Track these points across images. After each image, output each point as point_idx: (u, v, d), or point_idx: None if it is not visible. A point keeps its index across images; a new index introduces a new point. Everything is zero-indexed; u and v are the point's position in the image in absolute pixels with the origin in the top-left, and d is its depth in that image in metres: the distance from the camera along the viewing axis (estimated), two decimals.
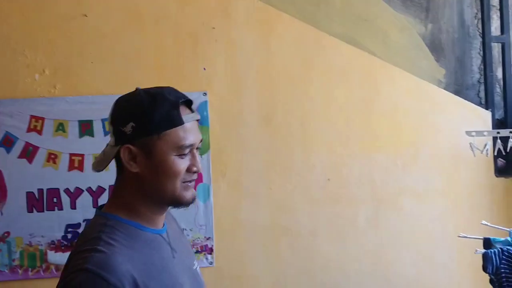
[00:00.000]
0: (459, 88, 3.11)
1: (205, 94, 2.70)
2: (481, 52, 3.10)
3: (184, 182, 1.15)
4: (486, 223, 2.34)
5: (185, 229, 2.69)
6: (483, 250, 2.13)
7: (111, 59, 2.61)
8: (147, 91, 1.15)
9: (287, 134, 2.74)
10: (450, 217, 2.83)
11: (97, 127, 2.62)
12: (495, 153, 2.43)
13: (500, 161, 3.02)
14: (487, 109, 3.00)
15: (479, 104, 3.07)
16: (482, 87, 3.11)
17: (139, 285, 1.04)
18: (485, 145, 2.29)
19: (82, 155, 2.61)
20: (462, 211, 2.84)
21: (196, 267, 1.31)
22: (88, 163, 2.58)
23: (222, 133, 2.71)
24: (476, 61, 3.15)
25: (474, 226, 2.43)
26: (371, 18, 3.02)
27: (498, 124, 3.01)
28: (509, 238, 2.19)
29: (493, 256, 2.08)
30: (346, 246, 2.76)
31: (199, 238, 2.72)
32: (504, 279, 2.07)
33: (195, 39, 2.69)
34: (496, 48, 3.12)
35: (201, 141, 1.19)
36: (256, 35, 2.75)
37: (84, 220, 2.59)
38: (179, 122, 1.11)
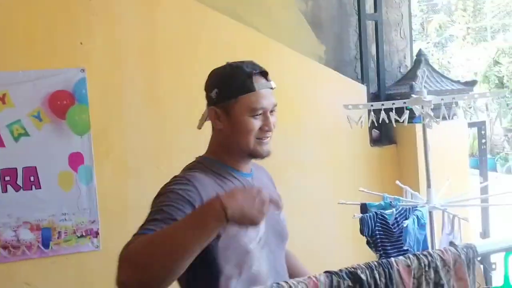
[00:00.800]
0: (338, 63, 3.27)
1: (83, 70, 2.54)
2: (357, 30, 3.28)
3: (258, 139, 1.38)
4: (363, 189, 2.50)
5: (67, 213, 2.57)
6: (360, 215, 2.27)
7: None
8: (231, 64, 1.41)
9: (173, 111, 2.69)
10: (332, 185, 3.00)
11: None
12: (369, 125, 2.60)
13: (375, 132, 3.25)
14: (363, 83, 3.19)
15: (356, 79, 3.26)
16: (359, 63, 3.30)
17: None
18: (360, 117, 2.43)
19: None
20: (342, 180, 3.02)
21: (280, 216, 1.50)
22: None
23: (103, 112, 2.58)
24: (353, 38, 3.32)
25: (354, 193, 2.58)
26: None
27: (372, 97, 3.22)
28: (382, 203, 2.37)
29: (369, 220, 2.23)
30: None
31: (83, 222, 2.61)
32: (378, 240, 2.24)
33: (69, 11, 2.52)
34: (370, 26, 3.31)
35: (275, 105, 1.40)
36: (138, 8, 2.64)
37: None
38: (252, 88, 1.35)
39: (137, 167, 2.63)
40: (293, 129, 2.93)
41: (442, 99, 2.31)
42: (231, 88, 1.36)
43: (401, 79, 3.41)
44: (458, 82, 3.35)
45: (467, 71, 9.83)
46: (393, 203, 2.34)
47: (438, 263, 0.92)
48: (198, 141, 2.66)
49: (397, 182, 2.59)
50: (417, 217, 2.18)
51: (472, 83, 3.42)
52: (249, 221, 1.08)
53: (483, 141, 3.53)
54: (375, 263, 0.88)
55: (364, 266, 0.88)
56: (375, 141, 3.23)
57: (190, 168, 1.42)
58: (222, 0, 2.88)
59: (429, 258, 0.91)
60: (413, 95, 2.43)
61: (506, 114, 9.21)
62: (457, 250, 0.93)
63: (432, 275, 0.91)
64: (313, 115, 2.99)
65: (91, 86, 2.54)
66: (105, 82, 2.59)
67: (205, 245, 1.10)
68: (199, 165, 1.42)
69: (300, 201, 2.93)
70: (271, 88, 1.41)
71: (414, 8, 15.10)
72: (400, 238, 2.19)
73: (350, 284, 0.85)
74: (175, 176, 1.37)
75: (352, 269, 0.87)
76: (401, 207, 2.27)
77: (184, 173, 1.38)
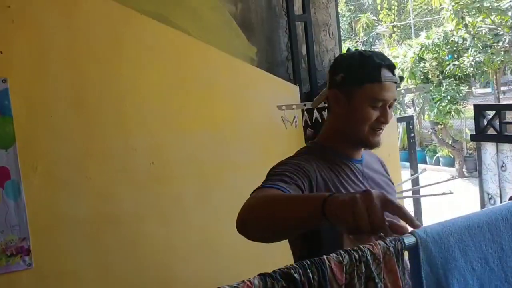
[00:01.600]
0: (270, 65, 3.29)
1: (4, 81, 2.41)
2: (287, 31, 3.32)
3: (372, 129, 1.42)
4: None
5: None
6: None
7: None
8: (361, 52, 1.44)
9: (101, 118, 2.60)
10: None
11: None
12: (303, 124, 2.64)
13: (309, 131, 3.30)
14: (295, 84, 3.24)
15: (289, 79, 3.30)
16: (290, 64, 3.34)
17: (318, 184, 1.36)
18: (294, 117, 2.48)
19: None
20: None
21: None
22: None
23: (29, 123, 2.46)
24: (284, 39, 3.36)
25: None
26: None
27: (305, 97, 3.28)
28: None
29: None
30: (172, 226, 2.76)
31: (12, 240, 2.46)
32: None
33: None
34: (300, 27, 3.37)
35: (395, 100, 1.44)
36: (59, 13, 2.53)
37: None
38: (379, 79, 1.37)
39: (67, 178, 2.52)
40: (228, 131, 2.92)
41: None
42: (358, 75, 1.40)
43: None
44: None
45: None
46: None
47: (369, 257, 0.93)
48: (128, 147, 2.64)
49: None
50: None
51: (400, 79, 3.56)
52: (353, 229, 0.98)
53: (412, 135, 3.69)
54: (308, 261, 0.89)
55: (297, 266, 0.88)
56: (310, 140, 3.28)
57: (302, 152, 1.50)
58: (148, 2, 2.81)
59: (360, 253, 0.93)
60: None
61: (433, 108, 9.67)
62: (385, 243, 0.95)
63: (364, 269, 0.93)
64: (247, 117, 2.99)
65: (14, 96, 2.41)
66: (29, 92, 2.46)
67: (304, 230, 1.21)
68: (311, 150, 1.49)
69: (236, 202, 2.92)
70: (395, 82, 1.43)
71: (342, 8, 15.61)
72: None
73: (284, 284, 0.85)
74: (291, 156, 1.47)
75: (286, 270, 0.87)
76: None
77: (300, 155, 1.47)
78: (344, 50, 3.57)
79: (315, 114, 2.43)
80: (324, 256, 0.91)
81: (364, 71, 1.40)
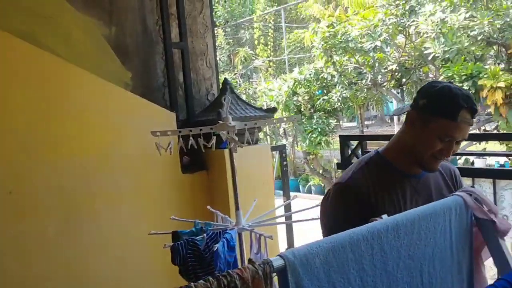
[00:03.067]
0: (146, 90, 3.22)
1: None
2: (164, 57, 3.29)
3: (434, 157, 1.52)
4: (174, 217, 2.46)
5: None
6: (171, 244, 2.22)
7: None
8: (451, 87, 1.51)
9: None
10: (143, 216, 2.90)
11: None
12: (179, 151, 2.59)
13: (185, 159, 3.26)
14: (172, 110, 3.19)
15: (165, 106, 3.25)
16: (167, 90, 3.30)
17: (371, 199, 1.51)
18: (169, 143, 2.41)
19: None
20: (155, 209, 2.94)
21: None
22: None
23: None
24: (160, 65, 3.32)
25: (166, 222, 2.53)
26: (53, 17, 2.83)
27: (182, 124, 3.24)
28: (194, 229, 2.36)
29: (180, 248, 2.20)
30: (33, 263, 2.51)
31: None
32: (190, 268, 2.22)
33: None
34: (177, 54, 3.36)
35: (464, 139, 1.51)
36: None
37: None
38: (455, 119, 1.46)
39: None
40: (99, 158, 2.77)
41: (245, 125, 2.42)
42: (438, 108, 1.48)
43: (209, 106, 3.51)
44: (260, 109, 3.58)
45: (270, 101, 10.66)
46: (204, 228, 2.35)
47: (237, 282, 0.92)
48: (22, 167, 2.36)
49: (208, 207, 2.62)
50: (227, 239, 2.21)
51: (273, 110, 3.70)
52: None
53: (285, 163, 3.82)
54: None
55: None
56: (186, 168, 3.24)
57: (357, 166, 1.61)
58: (14, 19, 2.61)
59: (229, 278, 0.91)
60: (220, 122, 2.51)
61: (305, 139, 10.19)
62: (254, 267, 0.94)
63: None
64: (120, 144, 2.87)
65: None
66: None
67: None
68: (370, 166, 1.60)
69: (109, 236, 2.77)
70: (470, 125, 1.50)
71: (221, 41, 16.01)
72: (212, 262, 2.20)
73: None
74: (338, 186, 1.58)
75: None
76: (211, 232, 2.29)
77: (349, 178, 1.57)
78: (221, 81, 3.63)
79: (191, 141, 2.40)
80: (192, 283, 0.87)
81: (445, 106, 1.47)
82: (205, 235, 2.26)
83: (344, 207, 1.53)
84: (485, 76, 6.91)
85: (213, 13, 3.70)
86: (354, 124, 15.42)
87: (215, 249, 2.12)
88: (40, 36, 2.73)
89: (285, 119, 2.85)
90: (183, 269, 2.22)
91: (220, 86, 3.57)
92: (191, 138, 2.43)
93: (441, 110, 1.48)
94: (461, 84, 7.14)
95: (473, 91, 7.08)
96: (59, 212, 2.61)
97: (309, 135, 10.06)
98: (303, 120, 10.15)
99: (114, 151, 2.83)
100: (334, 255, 1.07)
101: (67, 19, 2.89)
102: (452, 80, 7.24)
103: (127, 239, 2.83)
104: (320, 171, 11.21)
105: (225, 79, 3.52)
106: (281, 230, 4.35)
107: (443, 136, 1.49)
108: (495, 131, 7.83)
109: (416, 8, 8.32)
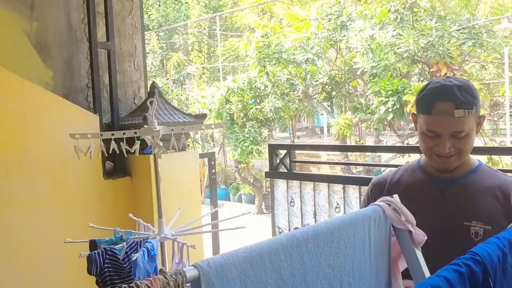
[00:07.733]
0: (68, 91, 3.05)
1: None
2: (89, 57, 3.13)
3: (436, 154, 1.52)
4: (93, 225, 2.34)
5: None
6: (87, 253, 2.10)
7: None
8: (430, 82, 1.53)
9: None
10: (59, 223, 2.74)
11: None
12: (101, 156, 2.48)
13: (108, 164, 3.12)
14: (95, 113, 3.05)
15: (88, 108, 3.09)
16: (91, 92, 3.15)
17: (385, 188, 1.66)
18: (89, 147, 2.29)
19: None
20: (72, 216, 2.78)
21: (471, 226, 1.49)
22: None
23: None
24: (85, 65, 3.16)
25: (86, 229, 2.39)
26: None
27: (106, 128, 3.10)
28: (113, 237, 2.25)
29: (97, 258, 2.08)
30: None
31: None
32: (108, 278, 2.10)
33: None
34: (103, 54, 3.21)
35: (457, 132, 1.45)
36: None
37: None
38: (428, 112, 1.47)
39: None
40: (15, 162, 2.58)
41: (172, 130, 2.35)
42: (417, 105, 1.54)
43: (135, 110, 3.39)
44: (190, 115, 3.51)
45: (203, 108, 10.58)
46: (124, 237, 2.25)
47: None
48: None
49: (130, 215, 2.51)
50: (147, 249, 2.12)
51: (203, 116, 3.63)
52: None
53: (213, 171, 3.76)
54: None
55: None
56: (109, 174, 3.10)
57: (402, 170, 1.72)
58: None
59: None
60: (145, 126, 2.41)
61: (237, 147, 10.19)
62: (165, 277, 0.89)
63: None
64: (38, 146, 2.69)
65: None
66: None
67: None
68: (409, 167, 1.70)
69: (20, 244, 2.58)
70: (458, 117, 1.42)
71: (154, 45, 15.71)
72: (131, 273, 2.10)
73: None
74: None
75: None
76: (132, 241, 2.19)
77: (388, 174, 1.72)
78: (149, 84, 3.52)
79: (113, 145, 2.29)
80: None
81: (421, 102, 1.51)
82: (124, 244, 2.15)
83: (365, 196, 1.74)
84: (409, 92, 7.25)
85: (145, 16, 3.60)
86: (286, 134, 15.66)
87: (134, 259, 2.03)
88: None
89: (213, 125, 2.80)
90: (100, 279, 2.10)
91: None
92: (112, 141, 2.32)
93: (418, 106, 1.54)
94: (387, 99, 7.45)
95: (398, 106, 7.41)
96: None
97: (241, 143, 10.09)
98: (236, 129, 10.16)
99: (31, 154, 2.65)
100: (251, 265, 1.03)
101: None
102: (378, 95, 7.55)
103: (41, 247, 2.65)
104: (251, 180, 11.25)
105: (153, 82, 3.41)
106: (208, 240, 4.28)
107: (426, 132, 1.50)
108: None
109: (347, 24, 8.61)
